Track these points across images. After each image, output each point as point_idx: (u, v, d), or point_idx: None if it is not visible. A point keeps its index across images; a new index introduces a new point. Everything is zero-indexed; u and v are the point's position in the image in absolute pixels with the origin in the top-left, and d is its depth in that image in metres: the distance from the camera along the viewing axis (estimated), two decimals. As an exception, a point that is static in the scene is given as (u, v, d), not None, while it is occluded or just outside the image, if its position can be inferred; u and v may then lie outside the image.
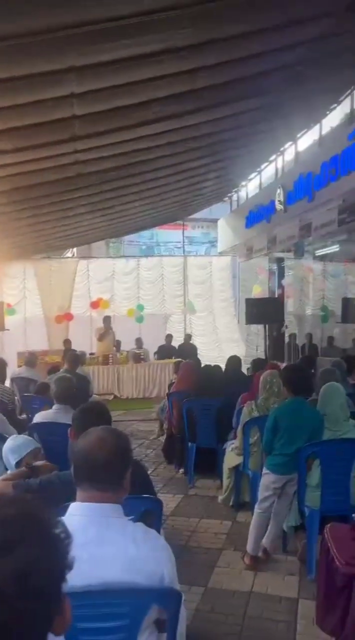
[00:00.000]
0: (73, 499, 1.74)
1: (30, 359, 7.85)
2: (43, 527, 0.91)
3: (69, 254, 15.16)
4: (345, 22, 4.66)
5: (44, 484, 2.32)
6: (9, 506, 0.93)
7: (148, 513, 2.45)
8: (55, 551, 0.91)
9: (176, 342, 12.51)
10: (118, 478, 1.72)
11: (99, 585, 1.57)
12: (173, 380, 7.73)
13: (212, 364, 7.76)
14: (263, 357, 9.80)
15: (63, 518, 1.66)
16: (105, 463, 1.68)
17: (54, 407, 4.17)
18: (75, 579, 1.53)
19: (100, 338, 11.85)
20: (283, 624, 3.17)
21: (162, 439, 7.26)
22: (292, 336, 12.87)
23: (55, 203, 7.98)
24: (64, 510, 1.72)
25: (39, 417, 4.23)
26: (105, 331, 11.89)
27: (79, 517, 1.65)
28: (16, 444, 3.02)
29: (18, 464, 2.90)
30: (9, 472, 2.87)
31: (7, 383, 7.07)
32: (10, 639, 0.81)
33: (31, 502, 0.96)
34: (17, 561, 0.85)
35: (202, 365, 7.13)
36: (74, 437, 2.50)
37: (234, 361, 6.83)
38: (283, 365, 6.79)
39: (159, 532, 2.34)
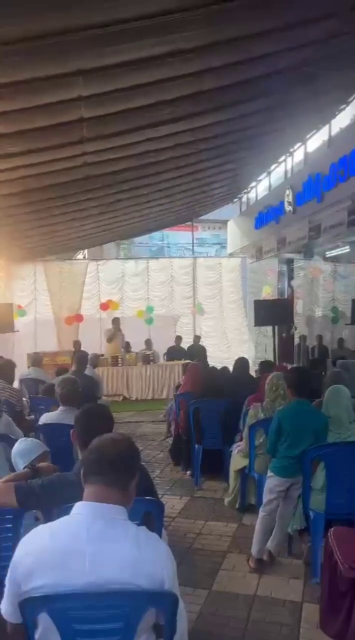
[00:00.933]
0: (74, 500, 1.76)
1: (35, 359, 7.89)
2: None
3: (80, 256, 15.23)
4: (350, 22, 4.63)
5: (45, 485, 2.34)
6: None
7: (149, 515, 2.45)
8: None
9: (186, 344, 12.51)
10: (125, 478, 1.75)
11: (99, 582, 1.58)
12: (180, 382, 7.73)
13: (221, 365, 7.77)
14: (272, 359, 9.76)
15: (68, 517, 1.70)
16: (116, 459, 1.74)
17: (60, 408, 4.20)
18: (76, 575, 1.57)
19: (109, 339, 11.90)
20: (286, 627, 3.15)
21: (170, 440, 7.27)
22: (302, 338, 12.81)
23: (66, 205, 8.04)
24: (68, 510, 1.74)
25: (44, 418, 4.26)
26: (114, 332, 11.93)
27: (84, 515, 1.68)
28: (25, 448, 3.03)
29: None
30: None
31: (17, 384, 7.12)
32: None
33: None
34: None
35: (210, 366, 7.11)
36: (76, 439, 2.52)
37: (242, 363, 6.81)
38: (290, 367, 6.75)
39: (160, 534, 2.35)
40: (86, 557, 1.60)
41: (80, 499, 1.74)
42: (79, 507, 1.71)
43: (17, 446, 3.08)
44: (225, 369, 7.41)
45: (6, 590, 1.67)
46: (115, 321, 12.18)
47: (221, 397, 5.83)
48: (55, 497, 2.26)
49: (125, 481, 1.74)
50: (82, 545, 1.61)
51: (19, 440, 3.21)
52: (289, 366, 6.98)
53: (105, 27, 3.52)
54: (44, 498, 2.30)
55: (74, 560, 1.60)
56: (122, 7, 3.39)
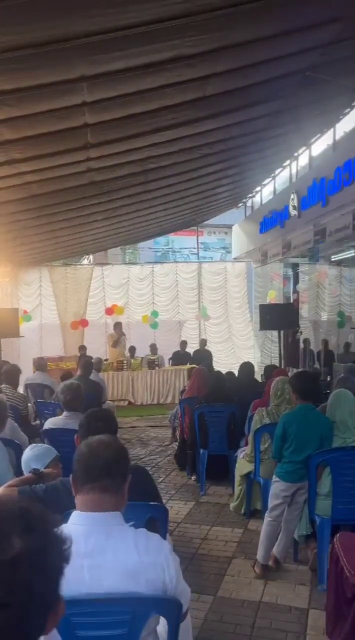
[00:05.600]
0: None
1: (40, 363, 7.91)
2: (48, 523, 0.98)
3: (85, 261, 15.27)
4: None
5: (49, 491, 2.33)
6: (20, 502, 1.01)
7: (153, 520, 2.44)
8: (56, 546, 0.97)
9: (191, 349, 12.50)
10: (118, 482, 1.72)
11: (100, 594, 1.57)
12: (185, 387, 7.72)
13: (227, 370, 7.74)
14: (278, 363, 9.73)
15: (65, 526, 1.67)
16: (107, 463, 1.70)
17: (64, 413, 4.20)
18: (76, 588, 1.55)
19: (115, 344, 11.88)
20: (292, 634, 3.13)
21: (175, 445, 7.25)
22: (307, 342, 12.78)
23: (71, 210, 8.07)
24: (66, 518, 1.73)
25: (49, 423, 4.26)
26: (118, 337, 11.93)
27: (80, 526, 1.64)
28: (37, 454, 3.00)
29: None
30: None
31: (22, 389, 7.13)
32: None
33: (36, 503, 1.03)
34: (27, 547, 0.89)
35: (215, 371, 7.09)
36: (79, 443, 2.51)
37: (247, 367, 6.79)
38: (291, 371, 6.73)
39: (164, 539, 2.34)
40: (85, 570, 1.58)
41: None
42: (74, 518, 1.67)
43: (29, 452, 3.05)
44: (230, 373, 7.39)
45: None
46: (118, 325, 12.18)
47: (226, 402, 5.81)
48: (58, 503, 2.25)
49: (119, 485, 1.71)
50: (80, 558, 1.57)
51: (30, 446, 3.18)
52: (292, 370, 6.96)
53: (108, 34, 3.54)
54: (48, 503, 2.29)
55: (73, 573, 1.57)
56: (125, 13, 3.41)
